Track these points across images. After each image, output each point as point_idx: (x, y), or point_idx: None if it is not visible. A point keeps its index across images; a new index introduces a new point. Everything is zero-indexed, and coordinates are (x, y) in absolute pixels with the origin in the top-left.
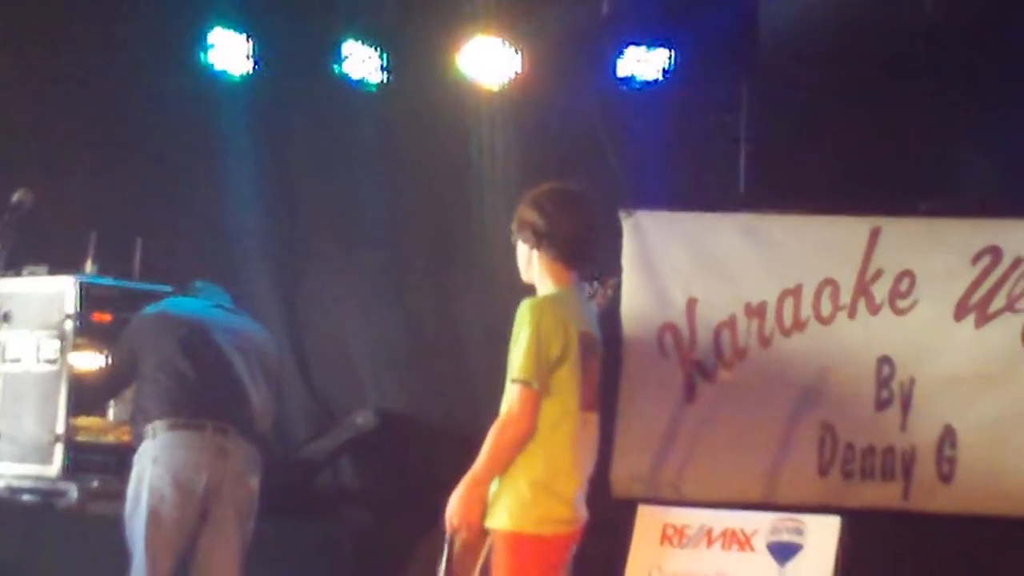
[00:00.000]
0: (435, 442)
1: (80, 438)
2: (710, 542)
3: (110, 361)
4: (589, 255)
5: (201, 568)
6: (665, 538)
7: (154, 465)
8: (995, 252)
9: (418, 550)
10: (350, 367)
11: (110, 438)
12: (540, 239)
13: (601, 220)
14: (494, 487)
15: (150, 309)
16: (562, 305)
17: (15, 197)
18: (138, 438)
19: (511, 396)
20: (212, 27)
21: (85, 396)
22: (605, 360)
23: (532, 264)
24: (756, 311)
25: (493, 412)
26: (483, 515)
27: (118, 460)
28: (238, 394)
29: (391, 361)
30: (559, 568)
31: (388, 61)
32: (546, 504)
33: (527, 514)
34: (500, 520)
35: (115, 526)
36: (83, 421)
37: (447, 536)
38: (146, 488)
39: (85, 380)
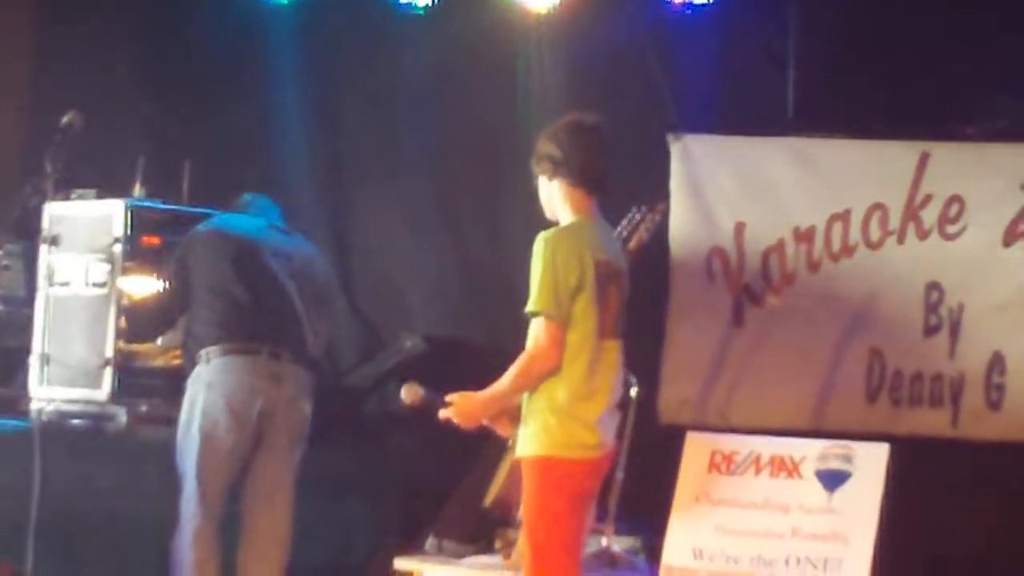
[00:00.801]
0: (482, 367)
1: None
2: (758, 469)
3: (165, 281)
4: (606, 181)
5: (253, 493)
6: (713, 465)
7: (208, 390)
8: None
9: (467, 474)
10: (397, 292)
11: (159, 362)
12: (557, 167)
13: (614, 148)
14: (527, 418)
15: (202, 227)
16: (577, 235)
17: (64, 120)
18: (190, 362)
19: (537, 330)
20: None
21: (141, 327)
22: (626, 288)
23: (553, 196)
24: (805, 236)
25: None
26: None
27: (167, 384)
28: (291, 319)
29: (438, 286)
30: (586, 495)
31: None
32: (570, 429)
33: (553, 439)
34: (528, 448)
35: (164, 450)
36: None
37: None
38: (199, 413)
39: (140, 309)
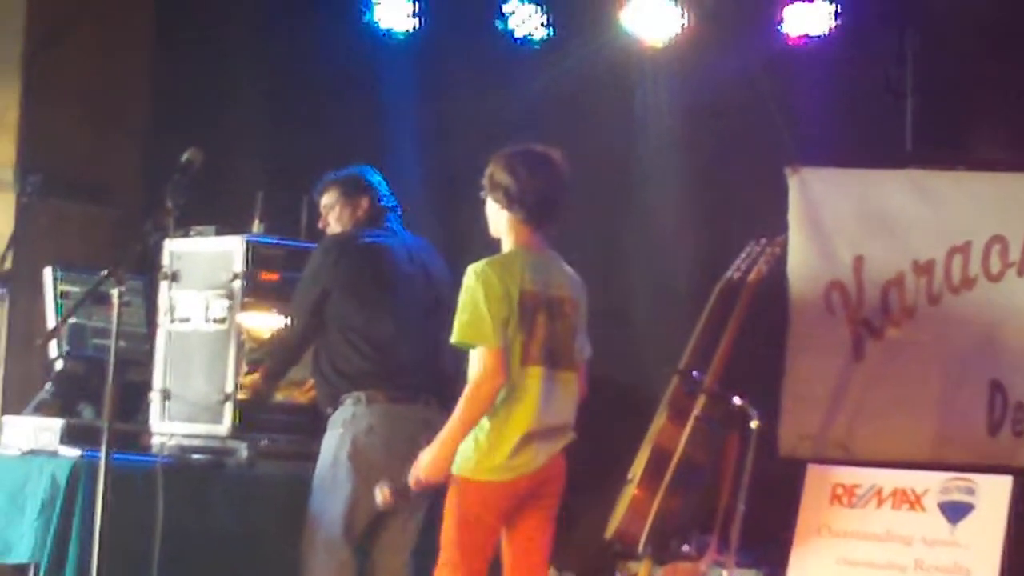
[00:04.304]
0: (601, 400)
1: (246, 396)
2: (880, 502)
3: (296, 315)
4: (556, 216)
5: (387, 532)
6: (835, 498)
7: (368, 434)
8: None
9: (587, 506)
10: None
11: (278, 397)
12: (511, 202)
13: (569, 180)
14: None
15: (335, 247)
16: (506, 267)
17: (185, 156)
18: (331, 400)
19: (476, 358)
20: None
21: (279, 365)
22: (568, 315)
23: (500, 223)
24: (924, 268)
25: (658, 371)
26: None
27: (287, 419)
28: (437, 363)
29: None
30: (501, 515)
31: (552, 18)
32: (486, 451)
33: (470, 461)
34: (453, 466)
35: (283, 485)
36: (249, 379)
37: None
38: (358, 453)
39: (277, 346)
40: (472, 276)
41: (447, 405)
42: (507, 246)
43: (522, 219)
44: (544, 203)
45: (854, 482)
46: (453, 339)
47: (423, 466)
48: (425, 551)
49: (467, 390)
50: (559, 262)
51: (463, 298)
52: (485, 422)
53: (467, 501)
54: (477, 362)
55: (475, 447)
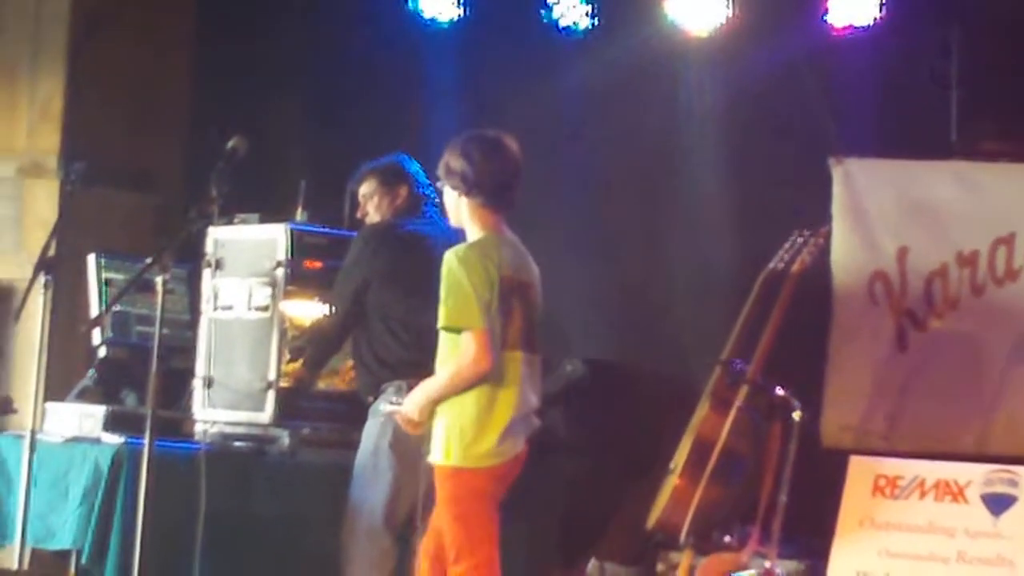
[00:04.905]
0: (643, 390)
1: (288, 384)
2: (923, 493)
3: (338, 303)
4: (513, 198)
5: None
6: (877, 489)
7: None
8: None
9: (628, 496)
10: (557, 316)
11: (320, 385)
12: (469, 188)
13: (522, 162)
14: (437, 428)
15: (373, 238)
16: (485, 252)
17: (229, 144)
18: (375, 388)
19: (466, 341)
20: None
21: (322, 354)
22: (535, 301)
23: (460, 210)
24: (968, 260)
25: (700, 362)
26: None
27: (329, 407)
28: None
29: (598, 309)
30: (494, 497)
31: (596, 7)
32: (478, 439)
33: (462, 451)
34: (440, 457)
35: (325, 472)
36: (291, 367)
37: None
38: (398, 442)
39: (318, 335)
40: (455, 260)
41: None
42: (475, 232)
43: (482, 203)
44: (501, 186)
45: (897, 473)
46: (440, 324)
47: (406, 405)
48: None
49: (453, 370)
50: (520, 246)
51: (447, 283)
52: (470, 409)
53: (461, 490)
54: (463, 346)
55: (460, 436)
